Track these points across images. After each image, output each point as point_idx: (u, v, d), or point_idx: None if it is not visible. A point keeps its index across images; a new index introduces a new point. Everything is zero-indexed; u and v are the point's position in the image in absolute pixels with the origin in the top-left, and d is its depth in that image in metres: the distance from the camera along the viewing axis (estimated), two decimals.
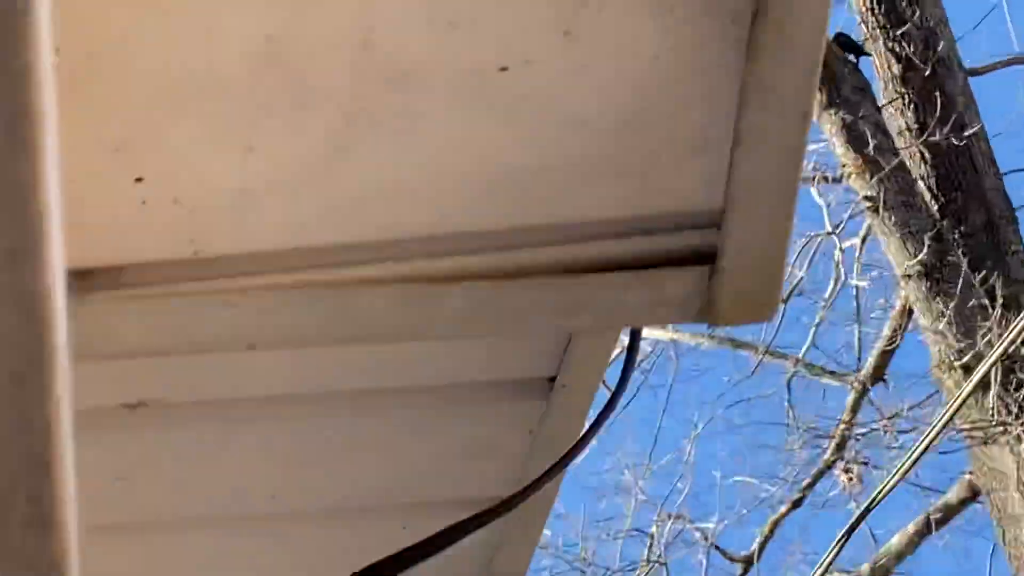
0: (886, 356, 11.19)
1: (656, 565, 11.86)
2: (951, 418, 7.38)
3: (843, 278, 10.96)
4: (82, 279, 1.71)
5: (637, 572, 12.00)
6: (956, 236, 10.17)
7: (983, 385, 9.01)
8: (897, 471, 6.84)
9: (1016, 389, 9.24)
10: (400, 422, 2.28)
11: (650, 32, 1.50)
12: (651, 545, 11.92)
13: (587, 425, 2.26)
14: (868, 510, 7.08)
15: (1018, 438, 9.19)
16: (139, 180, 1.61)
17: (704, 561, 11.76)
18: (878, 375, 11.37)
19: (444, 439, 2.32)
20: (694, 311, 1.72)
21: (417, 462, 2.37)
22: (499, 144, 1.61)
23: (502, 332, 1.95)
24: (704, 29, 1.51)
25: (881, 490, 7.06)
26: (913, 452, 6.74)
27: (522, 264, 1.70)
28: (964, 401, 8.02)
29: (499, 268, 1.71)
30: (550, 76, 1.54)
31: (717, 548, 11.78)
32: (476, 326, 1.74)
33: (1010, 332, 7.24)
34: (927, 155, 10.33)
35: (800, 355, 11.61)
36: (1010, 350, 8.50)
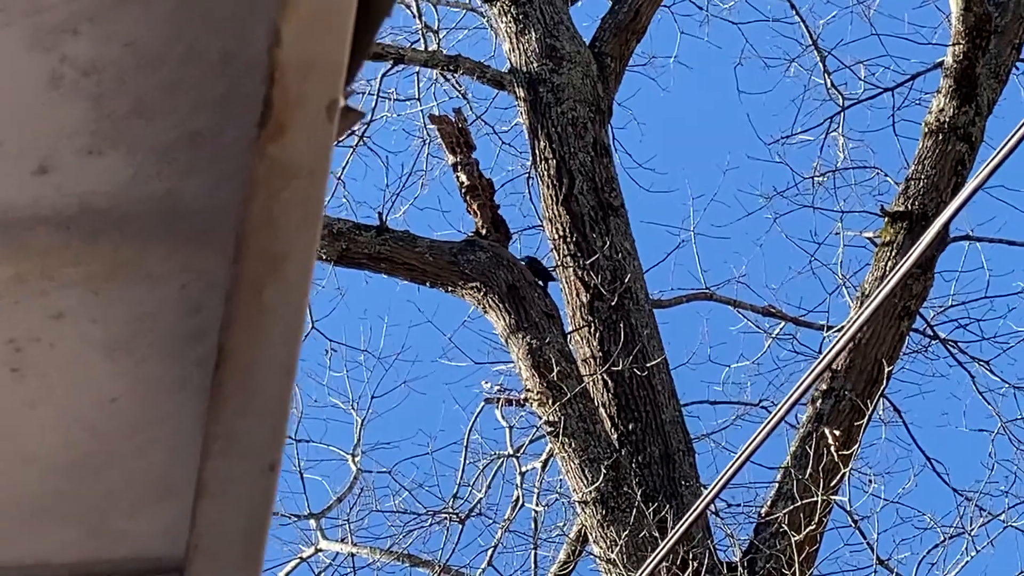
0: None
1: None
2: None
3: (522, 500, 10.97)
4: None
5: None
6: (633, 466, 10.28)
7: None
8: None
9: None
10: None
11: (106, 373, 1.41)
12: None
13: None
14: None
15: None
16: None
17: None
18: None
19: None
20: None
21: None
22: None
23: None
24: (166, 373, 1.43)
25: None
26: None
27: None
28: None
29: None
30: None
31: None
32: None
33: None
34: (610, 384, 10.47)
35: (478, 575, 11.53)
36: None
